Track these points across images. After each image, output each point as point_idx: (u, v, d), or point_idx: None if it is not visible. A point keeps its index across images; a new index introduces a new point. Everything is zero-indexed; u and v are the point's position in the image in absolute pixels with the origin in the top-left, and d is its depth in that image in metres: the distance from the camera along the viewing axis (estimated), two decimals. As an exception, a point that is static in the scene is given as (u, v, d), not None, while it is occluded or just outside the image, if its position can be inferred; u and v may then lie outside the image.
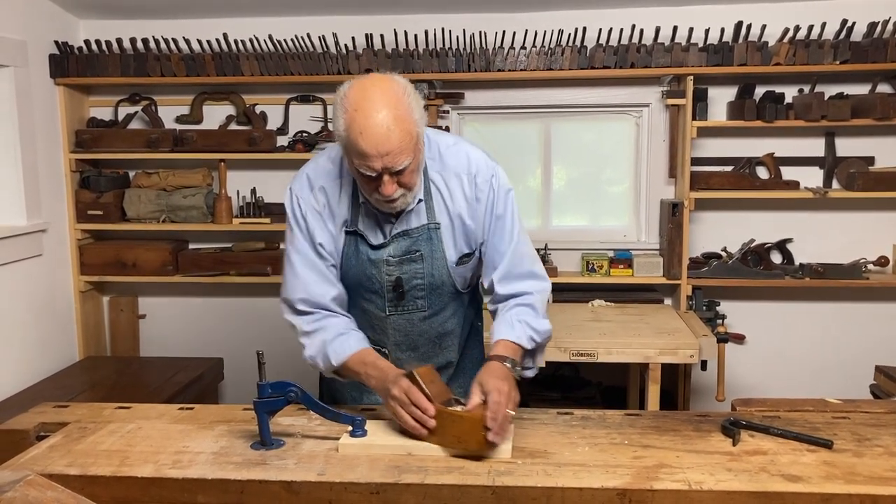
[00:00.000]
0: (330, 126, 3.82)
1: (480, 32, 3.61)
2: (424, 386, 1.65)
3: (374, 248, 1.89)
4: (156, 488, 1.54)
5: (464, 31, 3.62)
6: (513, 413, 1.63)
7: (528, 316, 1.87)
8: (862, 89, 3.59)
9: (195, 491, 1.53)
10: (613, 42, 3.58)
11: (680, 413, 1.91)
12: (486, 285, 1.96)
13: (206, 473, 1.54)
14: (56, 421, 1.85)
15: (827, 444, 1.64)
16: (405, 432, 1.66)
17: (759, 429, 1.73)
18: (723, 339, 3.10)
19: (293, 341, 4.33)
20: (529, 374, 1.92)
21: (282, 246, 3.91)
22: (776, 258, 3.81)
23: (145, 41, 3.68)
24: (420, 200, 1.87)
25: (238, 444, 1.69)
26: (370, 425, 1.70)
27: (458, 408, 1.67)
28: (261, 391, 1.68)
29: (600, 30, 3.56)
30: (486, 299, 2.07)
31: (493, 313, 1.96)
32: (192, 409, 1.94)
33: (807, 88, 3.57)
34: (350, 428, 1.68)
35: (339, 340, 1.85)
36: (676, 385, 3.67)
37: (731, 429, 1.70)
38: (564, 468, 1.55)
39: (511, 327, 1.85)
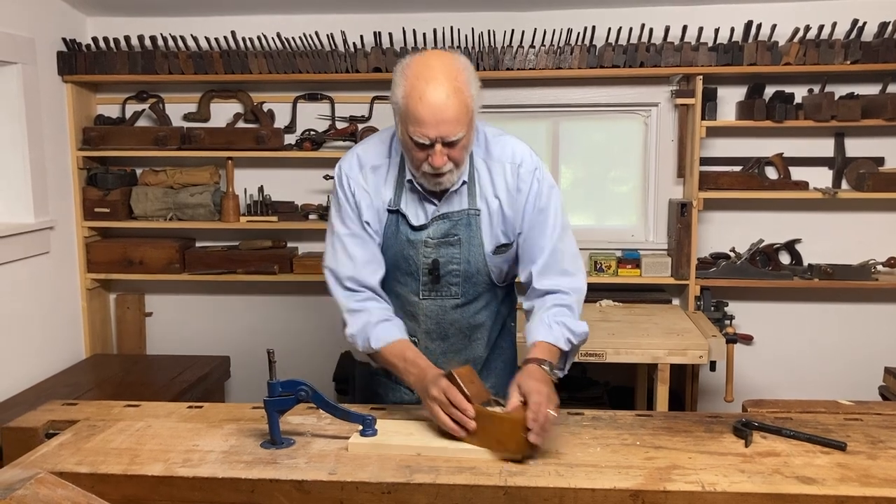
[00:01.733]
0: (337, 125, 3.83)
1: (489, 31, 3.60)
2: (464, 386, 1.63)
3: (414, 229, 1.91)
4: (166, 487, 1.54)
5: (472, 29, 3.61)
6: (554, 414, 1.61)
7: (566, 317, 1.86)
8: (872, 90, 3.57)
9: (205, 490, 1.53)
10: (623, 41, 3.56)
11: (691, 414, 1.90)
12: (523, 279, 1.95)
13: (217, 472, 1.54)
14: (65, 419, 1.85)
15: (840, 446, 1.64)
16: (444, 433, 1.65)
17: (772, 430, 1.72)
18: (731, 339, 3.10)
19: (302, 340, 4.28)
20: (560, 374, 1.88)
21: (289, 244, 3.92)
22: (785, 259, 3.80)
23: (153, 39, 3.67)
24: (464, 183, 1.88)
25: (248, 442, 1.69)
26: (380, 424, 1.70)
27: (498, 409, 1.64)
28: (271, 390, 1.68)
29: (609, 29, 3.55)
30: (520, 298, 2.06)
31: (529, 312, 1.94)
32: (200, 407, 1.94)
33: (817, 88, 3.56)
34: (360, 427, 1.68)
35: (382, 326, 1.86)
36: (684, 385, 3.66)
37: (744, 430, 1.70)
38: (576, 469, 1.54)
39: (549, 329, 1.83)
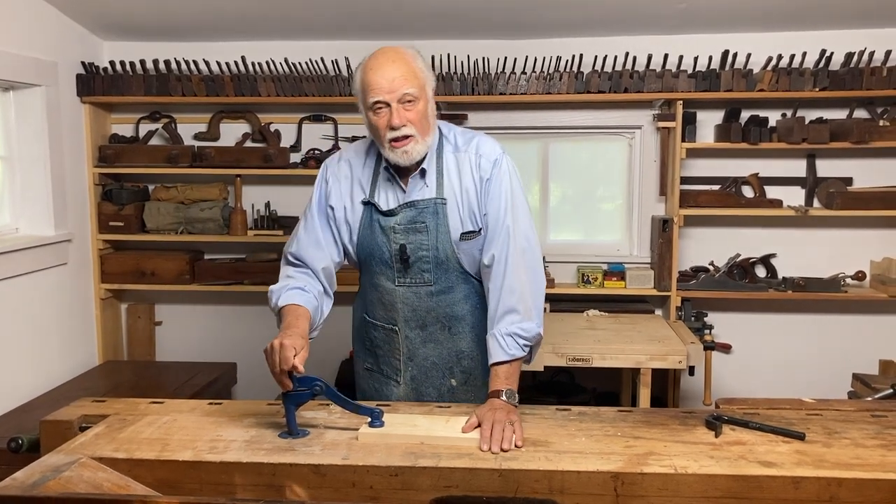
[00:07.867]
0: (341, 144, 3.97)
1: (484, 58, 3.76)
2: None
3: (384, 214, 2.07)
4: (195, 471, 1.65)
5: (468, 56, 3.79)
6: (506, 447, 1.73)
7: (514, 324, 1.98)
8: (840, 114, 3.75)
9: (232, 472, 1.65)
10: (608, 68, 3.73)
11: (669, 409, 2.04)
12: (486, 261, 2.06)
13: (241, 457, 1.66)
14: (96, 413, 1.95)
15: (800, 436, 1.77)
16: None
17: (740, 423, 1.85)
18: (709, 346, 3.26)
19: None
20: (528, 365, 2.11)
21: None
22: (761, 272, 3.96)
23: (167, 62, 3.82)
24: (424, 171, 2.06)
25: (267, 433, 1.81)
26: (387, 417, 1.84)
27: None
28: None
29: (596, 56, 3.72)
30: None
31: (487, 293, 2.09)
32: (220, 404, 2.05)
33: (789, 113, 3.73)
34: (369, 419, 1.80)
35: (293, 292, 2.02)
36: (666, 390, 3.83)
37: (714, 423, 1.83)
38: (563, 455, 1.67)
39: (504, 345, 1.97)
